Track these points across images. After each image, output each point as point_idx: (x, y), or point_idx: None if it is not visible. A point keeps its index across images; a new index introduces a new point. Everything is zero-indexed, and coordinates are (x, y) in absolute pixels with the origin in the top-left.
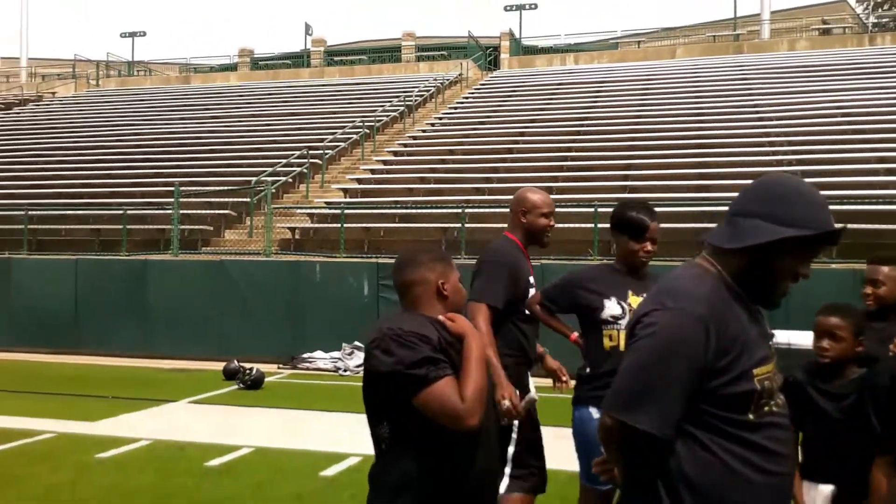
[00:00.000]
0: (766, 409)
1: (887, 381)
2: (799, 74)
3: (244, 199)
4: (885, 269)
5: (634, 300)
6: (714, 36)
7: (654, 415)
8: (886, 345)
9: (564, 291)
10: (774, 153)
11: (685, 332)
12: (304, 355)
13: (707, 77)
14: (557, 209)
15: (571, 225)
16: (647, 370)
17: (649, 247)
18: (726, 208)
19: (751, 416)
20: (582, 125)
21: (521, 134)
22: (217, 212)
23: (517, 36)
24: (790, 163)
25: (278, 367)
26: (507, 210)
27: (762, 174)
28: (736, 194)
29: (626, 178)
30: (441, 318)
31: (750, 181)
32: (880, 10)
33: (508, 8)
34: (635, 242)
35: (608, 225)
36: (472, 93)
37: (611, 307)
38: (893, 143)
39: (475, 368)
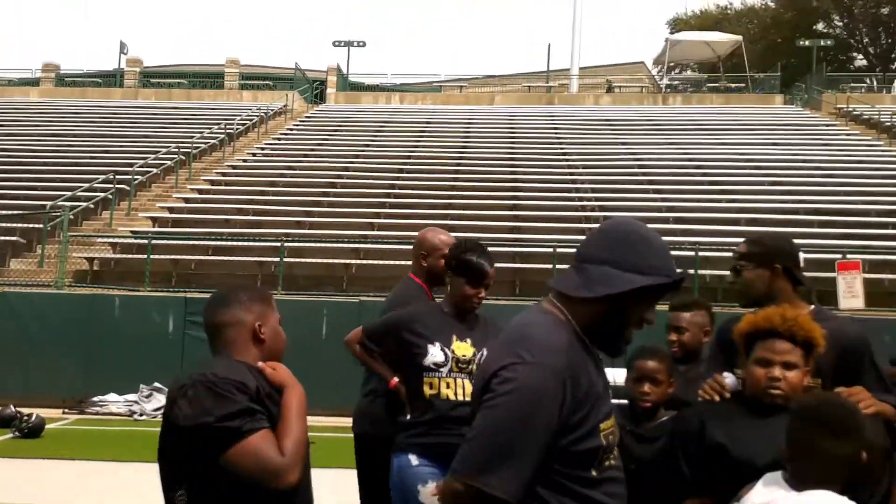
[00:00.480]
0: (607, 463)
1: (696, 425)
2: (603, 127)
3: (37, 226)
4: (687, 315)
5: (458, 346)
6: (529, 86)
7: (510, 478)
8: (691, 387)
9: (388, 332)
10: (580, 199)
11: (546, 388)
12: (95, 398)
13: (522, 124)
14: (379, 246)
15: (393, 262)
16: (506, 430)
17: (483, 293)
18: (538, 250)
19: (594, 473)
20: (406, 163)
21: (346, 169)
22: (2, 238)
23: (344, 71)
24: (594, 208)
25: (63, 413)
26: (330, 245)
27: (569, 218)
28: (545, 237)
29: (446, 216)
30: (261, 365)
31: (558, 225)
32: (672, 73)
33: (337, 43)
34: (471, 287)
35: None
36: (297, 125)
37: (434, 354)
38: (681, 193)
39: (295, 421)
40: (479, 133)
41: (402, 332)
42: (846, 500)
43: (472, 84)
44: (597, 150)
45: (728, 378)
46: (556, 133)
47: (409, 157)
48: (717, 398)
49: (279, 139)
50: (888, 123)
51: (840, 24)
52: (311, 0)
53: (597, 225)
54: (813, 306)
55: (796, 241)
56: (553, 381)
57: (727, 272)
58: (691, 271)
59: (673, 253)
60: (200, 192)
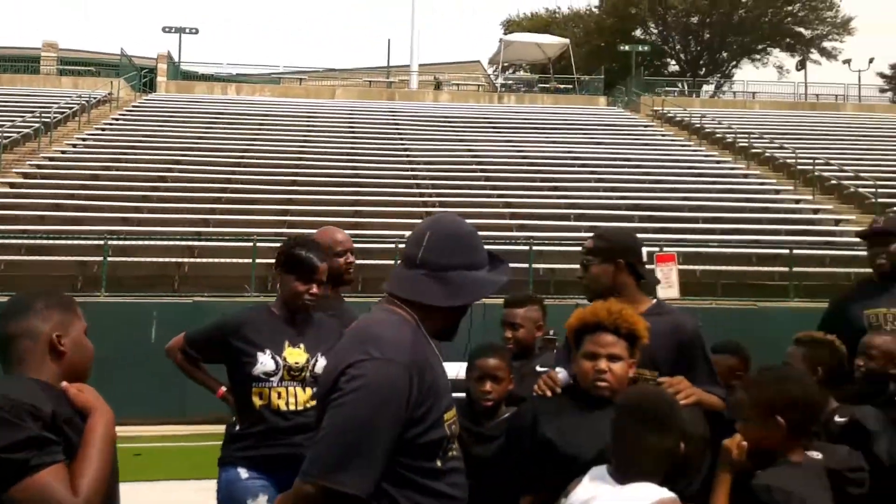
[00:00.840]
0: (450, 454)
1: (529, 421)
2: (442, 123)
3: None
4: (521, 311)
5: (290, 352)
6: (370, 81)
7: (363, 475)
8: (525, 382)
9: (212, 339)
10: (421, 195)
11: (395, 382)
12: None
13: (363, 119)
14: (212, 243)
15: (228, 260)
16: (356, 428)
17: (315, 289)
18: (380, 246)
19: (438, 463)
20: (243, 157)
21: (177, 162)
22: None
23: (176, 59)
24: (434, 204)
25: None
26: (160, 242)
27: (410, 214)
28: (387, 233)
29: (285, 212)
30: (64, 385)
31: (400, 221)
32: (507, 73)
33: (167, 29)
34: (301, 283)
35: (268, 261)
36: (124, 114)
37: (264, 362)
38: (517, 190)
39: (97, 454)
40: (320, 127)
41: (229, 339)
42: (666, 490)
43: (313, 77)
44: (437, 147)
45: (561, 373)
46: (397, 129)
47: (246, 151)
48: (549, 393)
49: (103, 129)
50: (697, 125)
51: (655, 31)
52: None
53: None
54: (655, 300)
55: None
56: (401, 377)
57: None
58: (526, 265)
59: (509, 248)
60: (12, 185)
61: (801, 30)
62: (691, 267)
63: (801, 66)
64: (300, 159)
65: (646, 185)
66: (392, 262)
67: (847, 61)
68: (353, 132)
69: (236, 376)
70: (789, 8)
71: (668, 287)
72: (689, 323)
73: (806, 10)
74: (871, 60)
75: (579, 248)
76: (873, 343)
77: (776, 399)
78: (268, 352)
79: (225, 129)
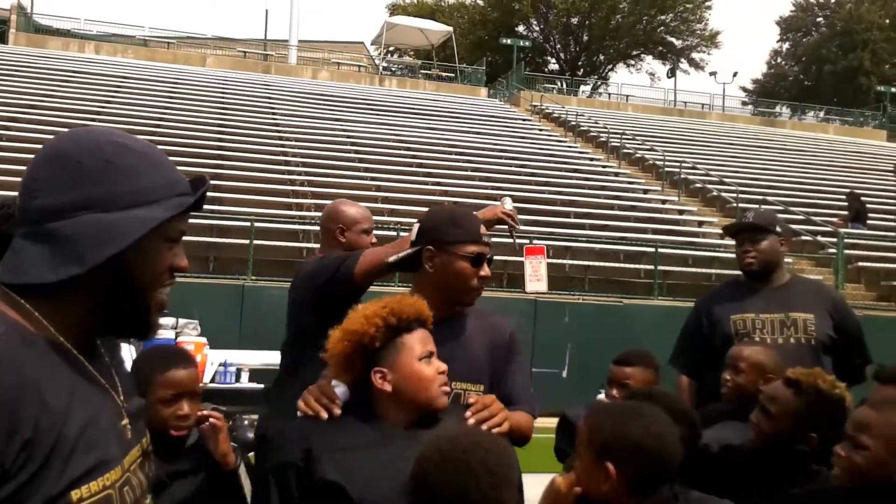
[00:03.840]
0: None
1: (299, 456)
2: (319, 102)
3: None
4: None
5: None
6: (245, 52)
7: None
8: None
9: None
10: (290, 172)
11: None
12: None
13: (234, 90)
14: None
15: None
16: None
17: None
18: (237, 224)
19: None
20: (95, 118)
21: (15, 120)
22: None
23: (28, 11)
24: (303, 183)
25: None
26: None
27: (275, 191)
28: (246, 210)
29: None
30: None
31: (262, 198)
32: (390, 56)
33: None
34: None
35: None
36: None
37: None
38: (391, 174)
39: None
40: (186, 95)
41: None
42: None
43: (183, 43)
44: (310, 125)
45: (338, 387)
46: (269, 103)
47: (99, 113)
48: (323, 414)
49: None
50: (573, 123)
51: (538, 28)
52: None
53: (300, 200)
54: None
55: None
56: None
57: None
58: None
59: (378, 233)
60: None
61: (673, 40)
62: (560, 261)
63: (672, 74)
64: (159, 126)
65: (520, 177)
66: (247, 241)
67: (713, 73)
68: (222, 103)
69: None
70: (662, 17)
71: (537, 280)
72: (508, 326)
73: (677, 20)
74: (734, 74)
75: None
76: (741, 355)
77: (612, 442)
78: None
79: (77, 88)
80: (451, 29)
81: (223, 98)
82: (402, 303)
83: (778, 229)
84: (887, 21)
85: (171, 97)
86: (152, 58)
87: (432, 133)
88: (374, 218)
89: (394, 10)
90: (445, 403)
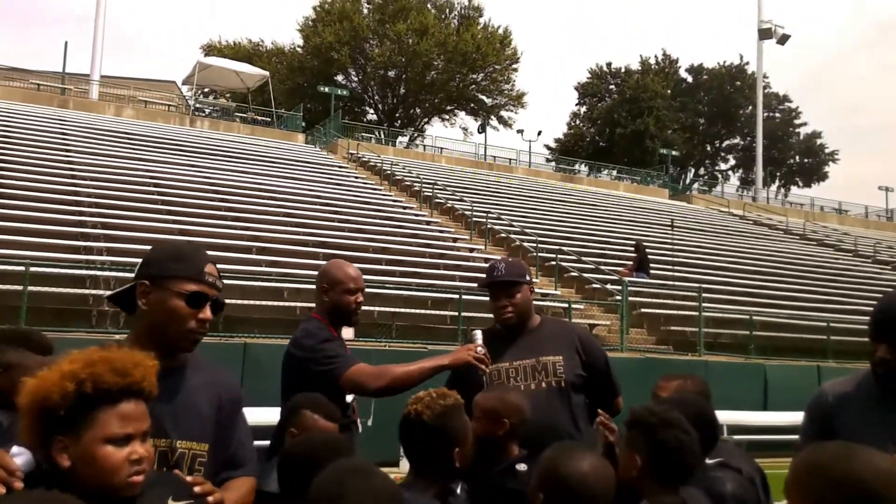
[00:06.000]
0: None
1: None
2: (120, 140)
3: None
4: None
5: None
6: (39, 84)
7: None
8: None
9: None
10: (80, 213)
11: None
12: None
13: (24, 125)
14: None
15: None
16: None
17: None
18: (8, 268)
19: None
20: None
21: None
22: None
23: None
24: (94, 225)
25: None
26: None
27: (64, 234)
28: (20, 252)
29: None
30: None
31: (48, 240)
32: (203, 98)
33: None
34: None
35: None
36: None
37: None
38: (196, 217)
39: None
40: None
41: None
42: None
43: None
44: (108, 163)
45: (21, 455)
46: (63, 140)
47: None
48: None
49: None
50: (389, 172)
51: (356, 79)
52: None
53: (90, 244)
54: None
55: (298, 271)
56: None
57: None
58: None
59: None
60: None
61: (484, 97)
62: (369, 308)
63: (482, 129)
64: None
65: (334, 223)
66: (20, 286)
67: (521, 131)
68: (7, 137)
69: None
70: (474, 76)
71: (346, 327)
72: (237, 383)
73: (487, 80)
74: (539, 133)
75: (257, 282)
76: (477, 404)
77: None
78: None
79: None
80: (267, 73)
81: (8, 133)
82: (110, 364)
83: (527, 278)
84: (668, 91)
85: None
86: None
87: (244, 177)
88: None
89: (209, 51)
90: (135, 492)
